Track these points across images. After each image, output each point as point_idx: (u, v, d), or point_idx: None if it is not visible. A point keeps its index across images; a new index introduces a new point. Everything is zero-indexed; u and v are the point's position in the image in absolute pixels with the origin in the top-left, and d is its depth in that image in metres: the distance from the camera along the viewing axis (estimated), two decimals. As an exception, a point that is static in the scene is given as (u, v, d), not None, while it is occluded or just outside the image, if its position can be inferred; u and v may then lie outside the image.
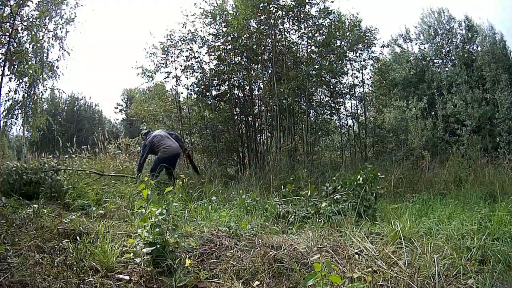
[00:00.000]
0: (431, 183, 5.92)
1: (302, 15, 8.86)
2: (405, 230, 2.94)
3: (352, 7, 18.68)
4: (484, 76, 11.94)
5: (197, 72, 9.25)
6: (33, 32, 8.08)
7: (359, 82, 10.41)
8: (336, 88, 10.10)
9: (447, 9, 13.83)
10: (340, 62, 9.53)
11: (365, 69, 10.47)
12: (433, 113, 12.22)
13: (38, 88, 9.23)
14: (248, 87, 9.41)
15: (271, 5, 8.52)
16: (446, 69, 13.15)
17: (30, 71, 7.88)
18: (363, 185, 3.72)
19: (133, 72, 22.02)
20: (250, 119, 9.33)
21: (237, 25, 8.48)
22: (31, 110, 9.33)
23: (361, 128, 10.53)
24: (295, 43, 9.29)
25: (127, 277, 2.16)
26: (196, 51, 9.18)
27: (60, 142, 6.70)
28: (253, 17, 8.57)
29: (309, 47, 9.44)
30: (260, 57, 9.19)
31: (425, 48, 13.98)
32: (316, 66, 9.06)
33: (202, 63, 9.27)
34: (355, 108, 10.65)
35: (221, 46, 9.11)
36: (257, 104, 9.55)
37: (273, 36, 8.89)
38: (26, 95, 9.02)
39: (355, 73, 10.32)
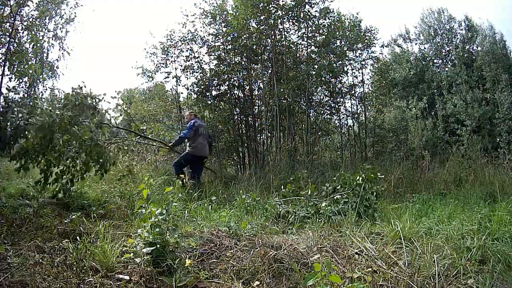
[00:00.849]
0: (431, 183, 5.91)
1: (301, 15, 8.87)
2: (405, 230, 2.94)
3: (352, 7, 18.76)
4: (484, 76, 11.92)
5: (197, 72, 9.26)
6: (33, 32, 8.07)
7: (359, 82, 10.45)
8: (336, 88, 10.11)
9: (447, 9, 13.80)
10: (340, 62, 9.54)
11: (365, 69, 10.53)
12: (433, 113, 12.19)
13: (38, 88, 9.23)
14: (248, 87, 9.42)
15: (270, 5, 8.53)
16: (446, 69, 13.12)
17: (30, 71, 7.86)
18: (363, 185, 3.73)
19: (133, 72, 21.97)
20: (250, 119, 9.33)
21: (237, 25, 8.48)
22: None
23: (361, 128, 10.53)
24: (295, 43, 9.30)
25: (127, 277, 2.16)
26: (196, 51, 9.22)
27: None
28: (253, 17, 8.58)
29: (309, 47, 9.46)
30: (260, 57, 9.19)
31: (425, 48, 13.96)
32: (316, 66, 9.07)
33: (202, 63, 9.30)
34: (355, 108, 10.67)
35: (221, 46, 9.12)
36: (257, 104, 9.56)
37: (273, 36, 8.89)
38: (26, 95, 9.00)
39: (355, 73, 10.34)
